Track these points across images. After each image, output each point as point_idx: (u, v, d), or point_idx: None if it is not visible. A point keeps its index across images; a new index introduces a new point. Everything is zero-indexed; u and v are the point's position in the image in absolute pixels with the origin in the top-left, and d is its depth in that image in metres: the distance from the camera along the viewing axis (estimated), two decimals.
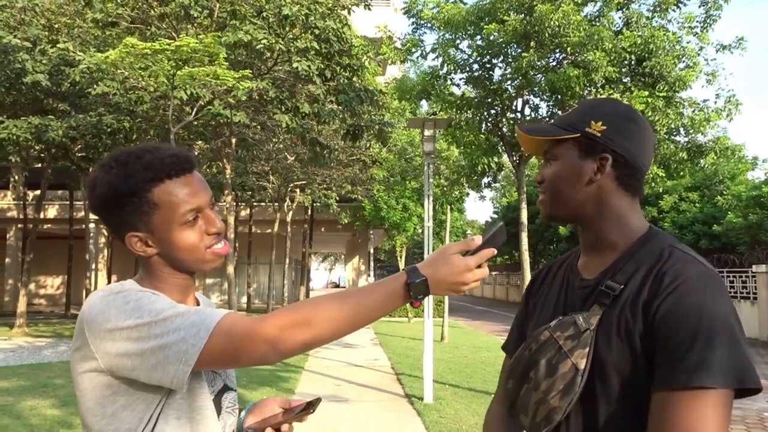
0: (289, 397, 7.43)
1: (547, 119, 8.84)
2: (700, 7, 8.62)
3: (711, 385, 0.97)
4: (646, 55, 8.14)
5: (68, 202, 22.23)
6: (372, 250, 25.04)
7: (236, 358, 1.04)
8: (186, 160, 1.16)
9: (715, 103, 8.79)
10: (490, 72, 9.00)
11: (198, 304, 1.27)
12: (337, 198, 21.32)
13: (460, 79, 9.27)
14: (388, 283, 1.07)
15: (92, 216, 23.01)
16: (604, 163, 1.17)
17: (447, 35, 8.80)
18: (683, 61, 8.49)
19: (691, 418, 0.97)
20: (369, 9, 11.58)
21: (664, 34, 8.20)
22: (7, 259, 26.00)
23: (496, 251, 1.12)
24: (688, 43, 8.58)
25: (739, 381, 0.98)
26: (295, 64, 10.00)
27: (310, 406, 1.25)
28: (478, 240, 1.10)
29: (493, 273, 43.53)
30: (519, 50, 8.51)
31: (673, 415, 0.99)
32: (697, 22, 8.63)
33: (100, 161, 1.18)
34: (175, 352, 1.02)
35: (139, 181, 1.12)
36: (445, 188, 14.94)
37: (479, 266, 1.09)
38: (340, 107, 11.40)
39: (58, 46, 11.02)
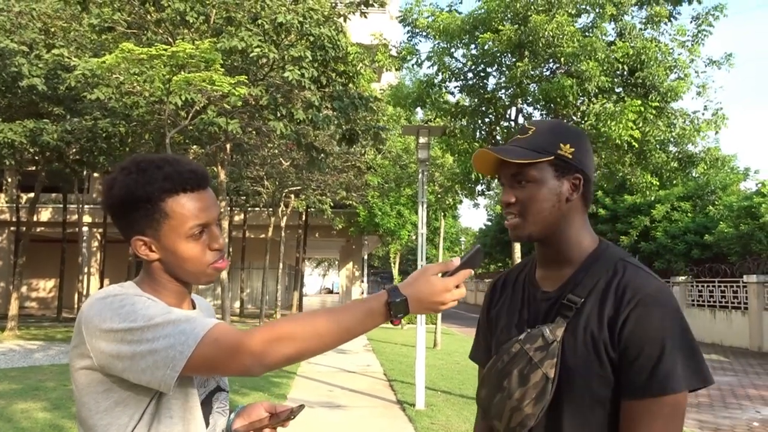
0: (281, 401, 7.43)
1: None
2: (691, 22, 8.74)
3: (678, 390, 1.12)
4: (639, 65, 8.23)
5: (62, 206, 22.17)
6: (366, 256, 25.06)
7: (221, 368, 1.09)
8: (203, 177, 1.22)
9: (703, 114, 8.91)
10: (485, 81, 9.07)
11: (194, 307, 1.31)
12: (332, 204, 21.36)
13: (455, 88, 9.34)
14: (370, 301, 1.12)
15: (85, 219, 23.03)
16: (577, 183, 1.27)
17: (442, 44, 8.87)
18: (675, 73, 8.60)
19: (662, 424, 1.12)
20: (365, 17, 11.66)
21: (656, 46, 8.30)
22: None
23: (472, 272, 1.19)
24: (679, 55, 8.70)
25: (702, 381, 1.14)
26: (287, 74, 10.04)
27: (293, 413, 1.31)
28: (457, 261, 1.16)
29: (486, 280, 43.59)
30: (513, 60, 8.59)
31: (648, 421, 1.12)
32: (688, 36, 8.75)
33: (120, 163, 1.23)
34: (164, 357, 1.06)
35: (156, 189, 1.17)
36: (439, 195, 14.99)
37: (457, 286, 1.15)
38: (335, 113, 11.45)
39: (53, 51, 11.03)
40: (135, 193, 1.17)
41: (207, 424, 1.23)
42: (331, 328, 1.09)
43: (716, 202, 21.61)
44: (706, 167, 9.06)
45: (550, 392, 1.18)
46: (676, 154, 8.98)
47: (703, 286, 18.55)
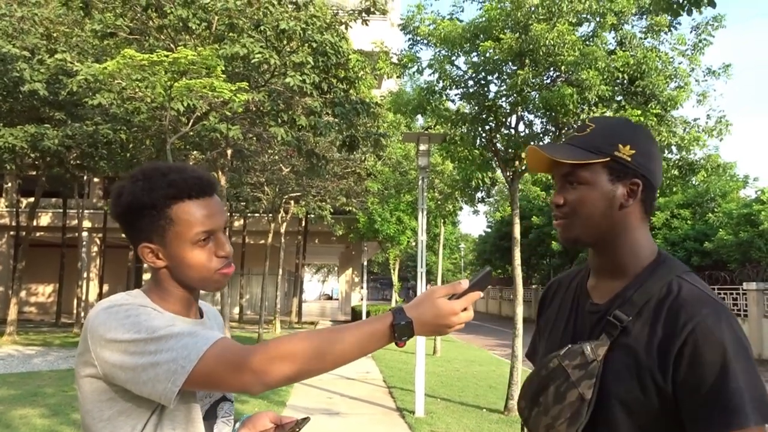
0: (280, 409, 7.42)
1: (542, 135, 8.93)
2: (691, 32, 8.79)
3: (746, 426, 1.00)
4: (639, 74, 8.26)
5: (62, 210, 22.16)
6: (365, 263, 25.03)
7: (222, 384, 1.09)
8: (208, 184, 1.23)
9: (706, 123, 8.93)
10: (485, 88, 9.09)
11: (201, 316, 1.32)
12: (332, 210, 21.35)
13: (456, 95, 9.36)
14: (374, 322, 1.11)
15: (85, 224, 23.00)
16: (635, 189, 1.17)
17: (443, 51, 8.90)
18: (675, 81, 8.63)
19: None
20: (366, 24, 11.70)
21: (656, 55, 8.33)
22: None
23: (481, 294, 1.15)
24: (680, 64, 8.73)
25: (765, 417, 1.02)
26: (288, 79, 10.07)
27: (298, 425, 1.30)
28: (465, 284, 1.13)
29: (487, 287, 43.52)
30: (514, 68, 8.62)
31: None
32: (688, 45, 8.79)
33: (130, 172, 1.25)
34: (165, 371, 1.06)
35: (160, 196, 1.18)
36: (439, 202, 15.01)
37: (465, 309, 1.12)
38: (336, 119, 11.47)
39: (56, 56, 11.05)
40: (141, 200, 1.18)
41: None
42: (334, 349, 1.08)
43: (716, 210, 21.62)
44: (706, 174, 9.08)
45: (585, 414, 1.10)
46: (677, 161, 9.00)
47: None
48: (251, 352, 1.07)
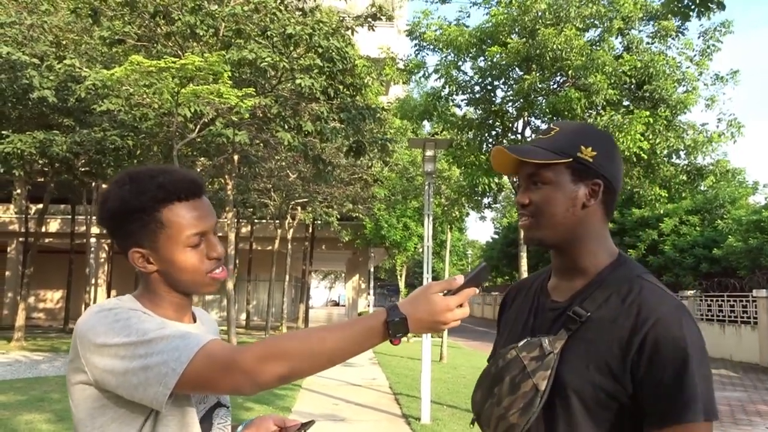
0: (285, 415, 7.39)
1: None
2: (699, 38, 8.75)
3: (699, 420, 1.05)
4: (646, 79, 8.23)
5: (70, 217, 22.29)
6: (372, 269, 25.02)
7: (213, 386, 1.07)
8: (197, 185, 1.21)
9: (717, 127, 8.88)
10: (492, 94, 9.09)
11: (195, 320, 1.29)
12: (338, 216, 21.37)
13: (462, 101, 9.37)
14: (368, 320, 1.08)
15: (93, 230, 23.13)
16: (596, 189, 1.20)
17: (449, 57, 8.91)
18: (683, 86, 8.59)
19: None
20: (372, 30, 11.73)
21: (664, 59, 8.30)
22: (7, 273, 26.00)
23: (477, 290, 1.15)
24: (687, 68, 8.69)
25: (713, 414, 1.06)
26: (298, 81, 10.10)
27: (303, 428, 1.28)
28: (460, 279, 1.11)
29: (493, 293, 43.39)
30: (521, 73, 8.61)
31: None
32: (696, 50, 8.75)
33: (114, 177, 1.22)
34: (156, 374, 1.04)
35: (149, 199, 1.15)
36: (445, 208, 14.98)
37: (461, 305, 1.10)
38: (342, 125, 11.49)
39: (65, 62, 11.14)
40: (129, 204, 1.15)
41: None
42: (327, 347, 1.05)
43: (725, 216, 21.47)
44: (715, 179, 9.01)
45: (538, 405, 1.12)
46: (685, 166, 8.94)
47: (712, 301, 18.38)
48: (242, 352, 1.05)
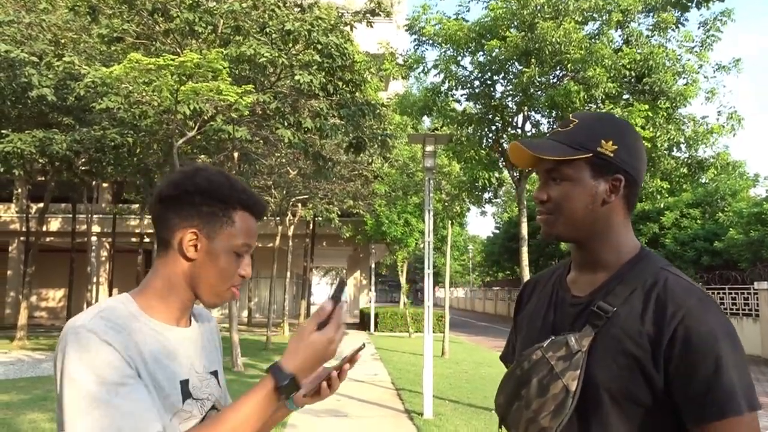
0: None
1: (548, 134, 8.90)
2: (699, 28, 8.71)
3: (742, 412, 1.01)
4: (646, 71, 8.20)
5: (71, 215, 22.29)
6: (373, 265, 25.00)
7: None
8: (264, 209, 1.27)
9: (717, 120, 8.85)
10: (492, 88, 9.07)
11: (190, 323, 1.26)
12: (339, 212, 21.35)
13: (462, 95, 9.35)
14: (256, 394, 1.08)
15: (94, 229, 23.14)
16: (617, 185, 1.17)
17: (449, 51, 8.88)
18: (683, 78, 8.55)
19: None
20: (371, 26, 11.69)
21: (664, 52, 8.27)
22: (8, 272, 26.03)
23: (347, 302, 1.15)
24: (688, 60, 8.65)
25: (755, 402, 1.04)
26: (297, 77, 10.08)
27: (358, 350, 1.28)
28: (328, 305, 1.12)
29: (495, 288, 43.42)
30: (520, 67, 8.59)
31: None
32: (696, 41, 8.71)
33: (199, 165, 1.25)
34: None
35: (234, 195, 1.20)
36: (446, 203, 14.97)
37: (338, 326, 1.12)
38: (342, 121, 11.47)
39: (63, 59, 11.11)
40: (219, 190, 1.19)
41: None
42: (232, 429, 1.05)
43: (726, 209, 21.46)
44: (716, 172, 8.98)
45: (569, 406, 1.09)
46: (686, 159, 8.92)
47: (713, 294, 18.39)
48: None
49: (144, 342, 1.11)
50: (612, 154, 1.15)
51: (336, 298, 1.14)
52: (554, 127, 1.21)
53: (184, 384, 1.16)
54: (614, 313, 1.12)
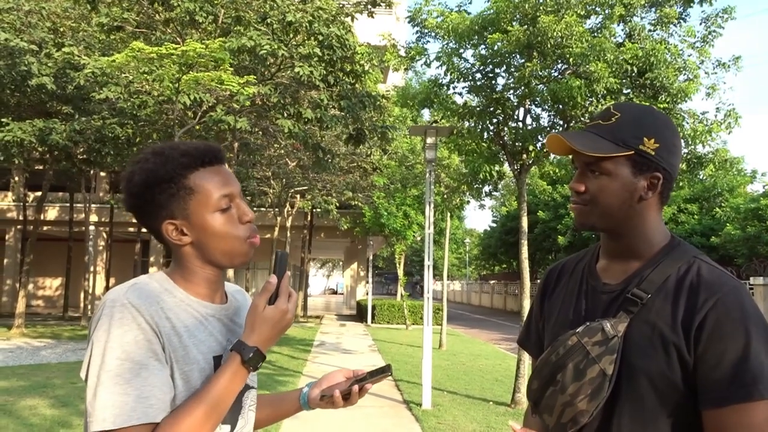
0: None
1: (549, 129, 8.89)
2: (701, 24, 8.71)
3: (765, 398, 1.03)
4: (648, 67, 8.21)
5: (68, 204, 22.25)
6: (371, 257, 25.04)
7: None
8: (218, 152, 1.22)
9: (716, 116, 8.86)
10: (493, 81, 9.06)
11: (226, 300, 1.28)
12: (338, 204, 21.37)
13: (463, 88, 9.33)
14: (227, 369, 1.12)
15: (92, 218, 23.08)
16: (655, 183, 1.18)
17: (451, 44, 8.86)
18: (684, 74, 8.56)
19: (756, 427, 1.03)
20: (372, 17, 11.67)
21: (665, 47, 8.27)
22: (6, 260, 25.99)
23: (290, 274, 1.20)
24: (689, 56, 8.66)
25: None
26: (297, 69, 10.07)
27: (384, 372, 1.30)
28: (273, 279, 1.16)
29: (491, 282, 43.53)
30: (522, 60, 8.58)
31: (738, 429, 1.04)
32: (698, 37, 8.71)
33: (133, 157, 1.23)
34: (91, 412, 1.04)
35: (176, 166, 1.16)
36: (445, 196, 14.99)
37: (289, 295, 1.17)
38: (342, 113, 11.47)
39: (63, 49, 11.07)
40: (157, 174, 1.15)
41: (236, 422, 1.22)
42: (206, 411, 1.09)
43: (723, 204, 21.55)
44: (714, 169, 9.01)
45: (607, 389, 1.12)
46: (685, 155, 8.94)
47: None
48: None
49: (177, 317, 1.14)
50: (653, 152, 1.16)
51: (280, 272, 1.17)
52: (592, 118, 1.19)
53: (218, 359, 1.18)
54: (648, 300, 1.14)
